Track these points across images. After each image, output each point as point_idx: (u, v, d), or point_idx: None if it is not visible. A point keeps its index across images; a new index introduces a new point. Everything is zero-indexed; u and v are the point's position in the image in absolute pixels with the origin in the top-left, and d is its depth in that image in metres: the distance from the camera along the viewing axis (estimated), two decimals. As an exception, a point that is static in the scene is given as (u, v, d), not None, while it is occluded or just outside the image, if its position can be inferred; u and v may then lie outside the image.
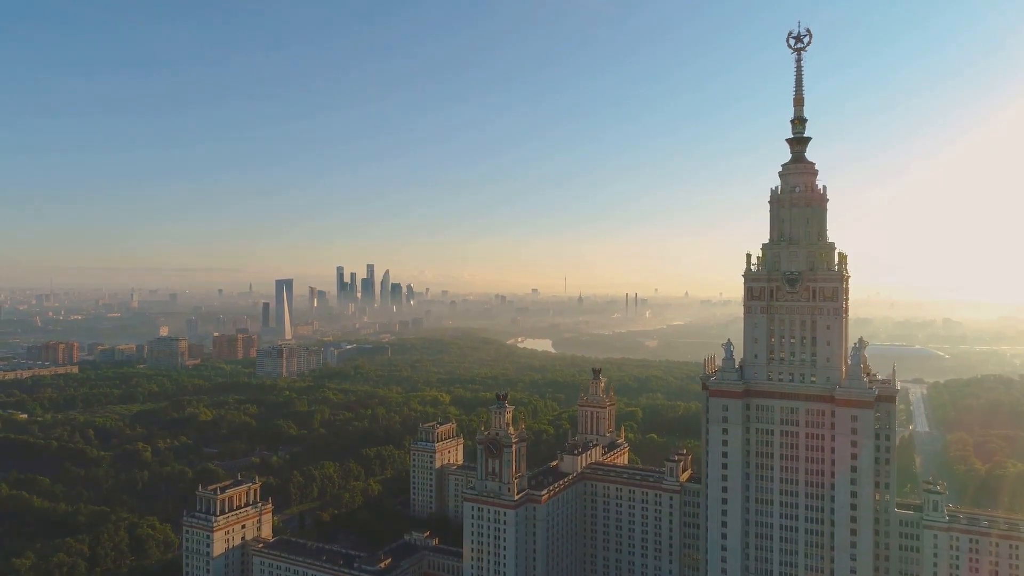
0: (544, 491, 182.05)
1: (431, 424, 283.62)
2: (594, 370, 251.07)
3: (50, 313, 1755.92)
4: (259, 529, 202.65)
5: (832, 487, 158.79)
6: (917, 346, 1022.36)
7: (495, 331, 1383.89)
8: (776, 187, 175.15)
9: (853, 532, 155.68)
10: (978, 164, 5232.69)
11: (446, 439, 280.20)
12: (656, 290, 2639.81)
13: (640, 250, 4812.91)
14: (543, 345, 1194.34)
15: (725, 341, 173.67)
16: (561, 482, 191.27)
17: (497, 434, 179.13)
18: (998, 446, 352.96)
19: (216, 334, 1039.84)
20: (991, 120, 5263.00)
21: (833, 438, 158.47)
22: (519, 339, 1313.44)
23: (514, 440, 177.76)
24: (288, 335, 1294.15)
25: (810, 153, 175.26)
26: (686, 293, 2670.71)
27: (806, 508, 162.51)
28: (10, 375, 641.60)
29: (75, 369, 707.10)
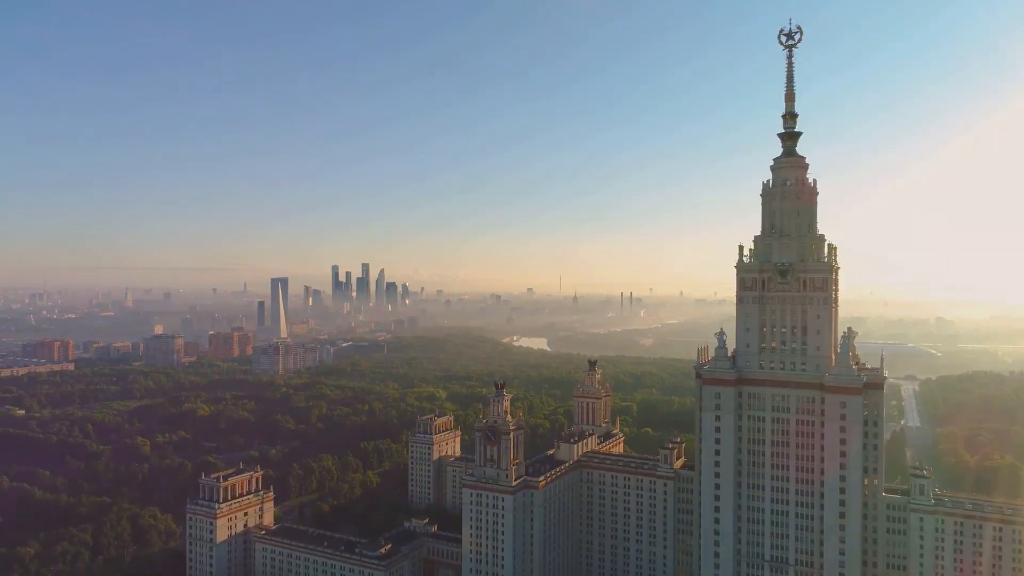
0: (542, 477, 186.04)
1: (429, 416, 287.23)
2: (590, 362, 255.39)
3: (44, 312, 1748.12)
4: (261, 517, 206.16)
5: (822, 472, 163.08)
6: (910, 344, 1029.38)
7: (490, 330, 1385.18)
8: (768, 180, 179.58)
9: (842, 516, 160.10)
10: (972, 165, 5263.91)
11: (444, 431, 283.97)
12: (651, 289, 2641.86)
13: (635, 250, 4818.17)
14: (538, 343, 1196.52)
15: (719, 331, 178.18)
16: (558, 469, 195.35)
17: (495, 421, 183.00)
18: (987, 439, 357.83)
19: (212, 332, 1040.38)
20: (985, 121, 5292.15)
21: (823, 424, 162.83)
22: (514, 338, 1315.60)
23: (512, 428, 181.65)
24: (284, 334, 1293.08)
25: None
26: (681, 292, 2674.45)
27: (796, 493, 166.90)
28: (6, 372, 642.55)
29: (71, 366, 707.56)
